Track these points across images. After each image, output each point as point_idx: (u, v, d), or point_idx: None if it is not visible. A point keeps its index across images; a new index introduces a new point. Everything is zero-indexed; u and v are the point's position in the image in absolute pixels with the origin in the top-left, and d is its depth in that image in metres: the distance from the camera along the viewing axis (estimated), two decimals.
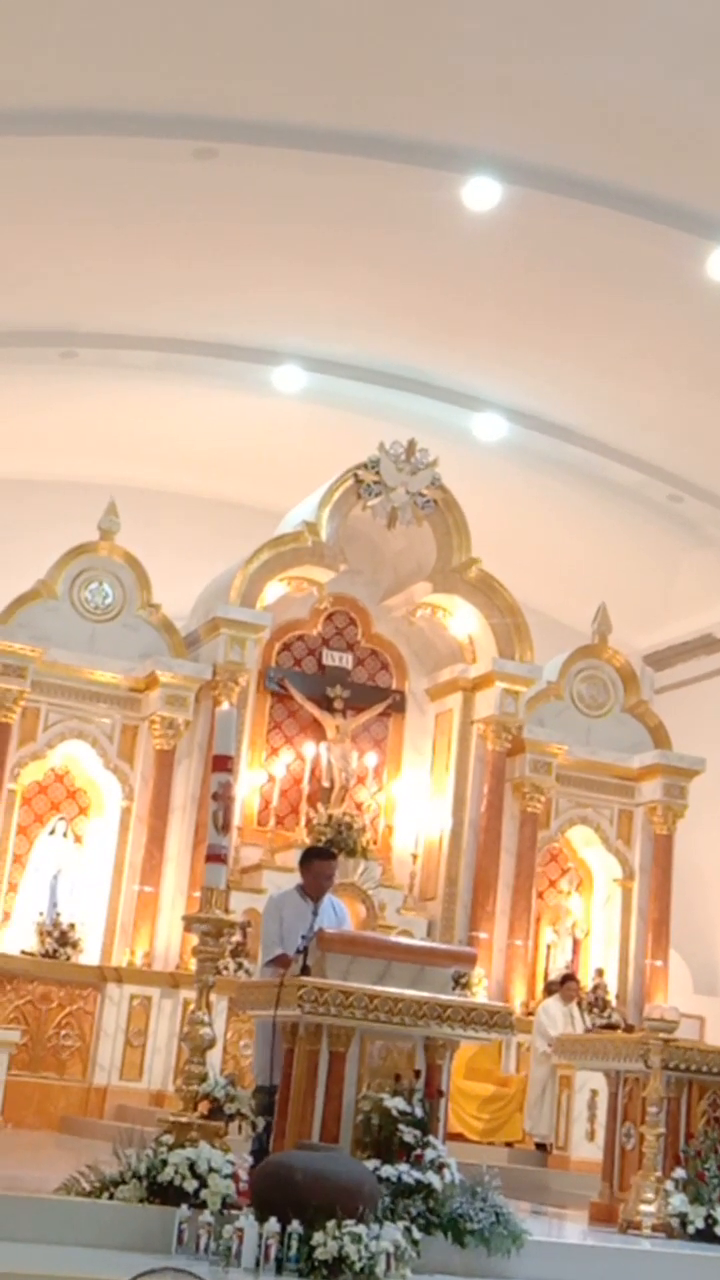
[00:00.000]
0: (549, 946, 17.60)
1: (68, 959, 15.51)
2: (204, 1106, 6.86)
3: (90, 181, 15.14)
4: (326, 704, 17.28)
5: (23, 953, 15.45)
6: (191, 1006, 7.31)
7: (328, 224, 16.00)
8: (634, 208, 14.87)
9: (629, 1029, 15.43)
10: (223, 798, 7.18)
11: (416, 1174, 6.81)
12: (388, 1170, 6.77)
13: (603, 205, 14.88)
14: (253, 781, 16.86)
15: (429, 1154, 6.92)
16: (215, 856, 7.16)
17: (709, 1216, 8.53)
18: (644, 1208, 8.70)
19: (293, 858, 12.89)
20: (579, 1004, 15.34)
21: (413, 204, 15.39)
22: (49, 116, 14.12)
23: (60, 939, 15.55)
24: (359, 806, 17.10)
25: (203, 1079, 6.88)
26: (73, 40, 13.19)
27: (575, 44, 13.00)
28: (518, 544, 19.92)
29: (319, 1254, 5.94)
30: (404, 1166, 6.82)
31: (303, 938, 7.60)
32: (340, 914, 8.63)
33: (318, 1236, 5.97)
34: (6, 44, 12.88)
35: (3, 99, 13.56)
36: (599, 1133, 12.42)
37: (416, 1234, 6.52)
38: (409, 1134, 6.94)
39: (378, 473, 16.63)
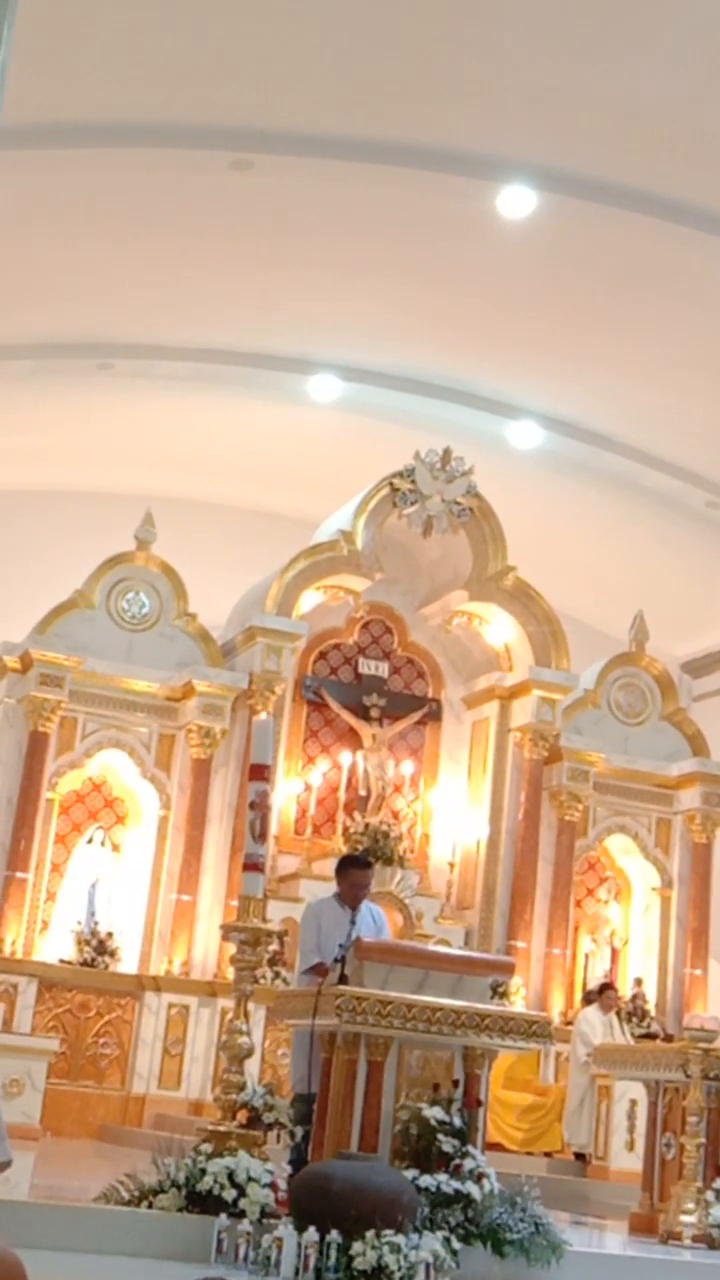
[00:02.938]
0: (587, 955, 17.54)
1: (106, 968, 15.55)
2: (242, 1115, 6.87)
3: (126, 193, 15.21)
4: (363, 713, 17.28)
5: (61, 961, 15.50)
6: (229, 1015, 7.32)
7: (363, 234, 16.03)
8: (669, 214, 14.83)
9: (668, 1038, 15.35)
10: (260, 806, 7.20)
11: (455, 1184, 6.79)
12: (426, 1180, 6.76)
13: (638, 212, 14.84)
14: (289, 790, 16.87)
15: (468, 1164, 6.90)
16: (252, 865, 7.17)
17: None
18: (684, 1218, 8.66)
19: (330, 866, 12.87)
20: (618, 1013, 15.27)
21: (448, 213, 15.40)
22: (84, 130, 14.20)
23: (98, 948, 15.60)
24: (396, 815, 17.09)
25: (241, 1088, 6.89)
26: (107, 54, 13.26)
27: (610, 52, 12.98)
28: (554, 552, 19.88)
29: (358, 1264, 5.93)
30: (443, 1176, 6.81)
31: (340, 946, 7.60)
32: (379, 922, 8.63)
33: (357, 1246, 5.97)
34: (42, 59, 12.94)
35: (39, 113, 13.63)
36: (638, 1143, 12.36)
37: (455, 1244, 6.51)
38: (448, 1144, 6.92)
39: (413, 481, 16.62)
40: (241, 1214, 6.32)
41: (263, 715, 15.33)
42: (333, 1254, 5.98)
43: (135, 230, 15.88)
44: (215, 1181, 6.44)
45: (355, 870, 8.61)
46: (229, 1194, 6.41)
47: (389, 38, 13.19)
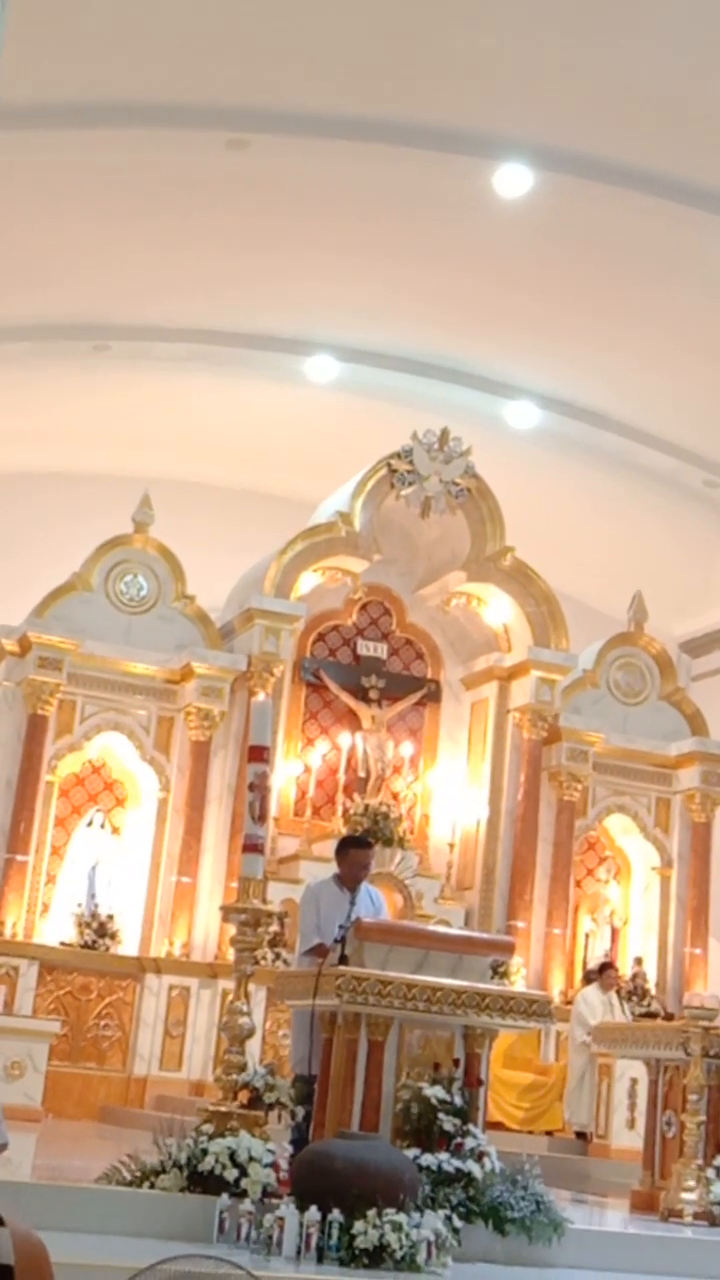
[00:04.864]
0: (587, 935, 17.57)
1: (106, 950, 15.57)
2: (243, 1096, 6.88)
3: (122, 174, 15.16)
4: (362, 694, 17.27)
5: (62, 944, 15.52)
6: (230, 996, 7.32)
7: (359, 213, 15.98)
8: (667, 192, 14.80)
9: (668, 1017, 15.38)
10: (259, 788, 7.19)
11: (457, 1163, 6.81)
12: (428, 1159, 6.78)
13: (635, 190, 14.81)
14: (289, 772, 16.87)
15: (469, 1142, 6.92)
16: (252, 847, 7.17)
17: None
18: (685, 1195, 8.68)
19: (329, 848, 12.87)
20: (618, 992, 15.30)
21: (445, 192, 15.36)
22: (80, 110, 14.16)
23: (99, 930, 15.62)
24: (395, 796, 17.09)
25: (242, 1068, 6.90)
26: (102, 33, 13.20)
27: (606, 30, 12.93)
28: (552, 532, 19.86)
29: (360, 1242, 5.94)
30: (444, 1155, 6.83)
31: (340, 927, 7.60)
32: (378, 903, 8.62)
33: (358, 1225, 5.98)
34: (38, 39, 12.88)
35: (34, 93, 13.58)
36: (639, 1121, 12.39)
37: (457, 1222, 6.53)
38: (449, 1123, 6.94)
39: (411, 462, 16.60)
40: (243, 1194, 6.32)
41: (261, 697, 15.33)
42: (334, 1233, 5.99)
43: (131, 210, 15.83)
44: (217, 1161, 6.45)
45: (356, 850, 8.61)
46: (230, 1174, 6.41)
47: (386, 16, 13.14)
